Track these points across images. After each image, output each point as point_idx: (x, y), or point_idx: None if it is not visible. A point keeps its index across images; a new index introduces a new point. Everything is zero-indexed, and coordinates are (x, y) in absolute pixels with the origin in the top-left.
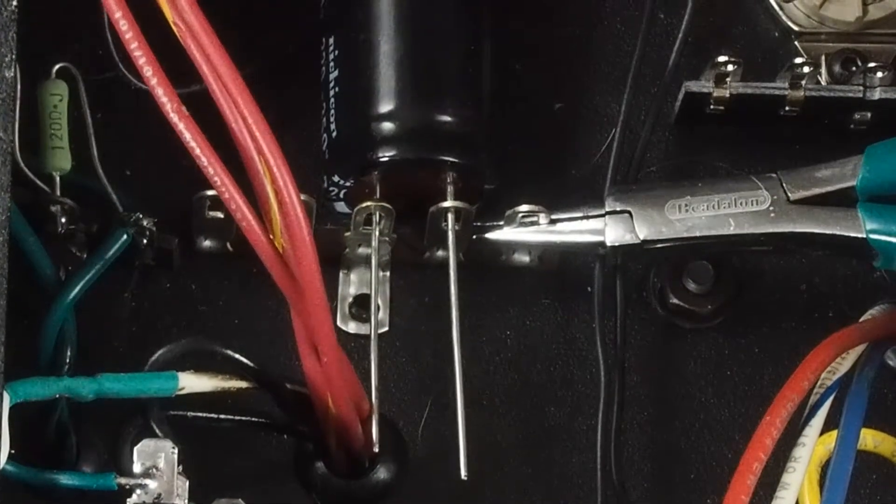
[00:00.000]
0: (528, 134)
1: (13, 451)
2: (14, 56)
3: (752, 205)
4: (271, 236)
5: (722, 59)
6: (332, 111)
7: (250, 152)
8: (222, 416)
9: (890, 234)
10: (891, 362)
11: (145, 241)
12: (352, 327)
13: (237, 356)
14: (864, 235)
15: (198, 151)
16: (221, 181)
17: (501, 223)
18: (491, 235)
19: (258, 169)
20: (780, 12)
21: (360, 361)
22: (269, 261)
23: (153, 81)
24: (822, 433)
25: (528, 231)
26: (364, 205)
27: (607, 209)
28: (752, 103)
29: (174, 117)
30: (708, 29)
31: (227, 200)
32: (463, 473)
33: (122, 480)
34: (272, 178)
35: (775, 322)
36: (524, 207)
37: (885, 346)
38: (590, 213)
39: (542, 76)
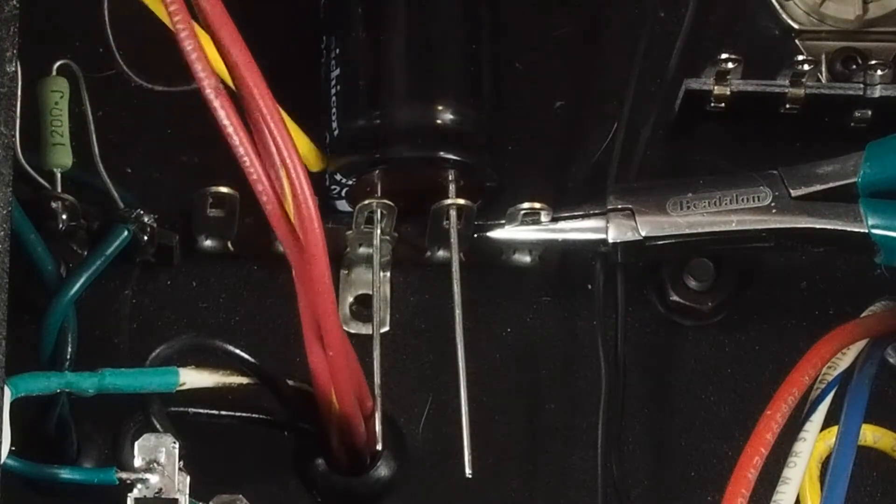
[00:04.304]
0: (529, 132)
1: (14, 448)
2: (15, 51)
3: (753, 201)
4: None
5: (722, 56)
6: (334, 110)
7: (269, 146)
8: (223, 413)
9: (892, 229)
10: (891, 359)
11: (146, 237)
12: (353, 327)
13: (238, 352)
14: (866, 230)
15: (230, 130)
16: (251, 161)
17: (503, 221)
18: (492, 233)
19: (275, 160)
20: (781, 10)
21: (361, 361)
22: (287, 243)
23: (193, 56)
24: (822, 429)
25: (529, 229)
26: (366, 202)
27: (609, 207)
28: (752, 101)
29: (210, 94)
30: (708, 27)
31: (254, 182)
32: (468, 472)
33: (123, 475)
34: (286, 169)
35: (776, 319)
36: (526, 205)
37: (886, 342)
38: (591, 211)
39: (543, 74)
